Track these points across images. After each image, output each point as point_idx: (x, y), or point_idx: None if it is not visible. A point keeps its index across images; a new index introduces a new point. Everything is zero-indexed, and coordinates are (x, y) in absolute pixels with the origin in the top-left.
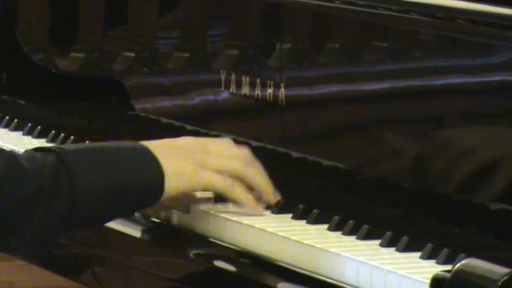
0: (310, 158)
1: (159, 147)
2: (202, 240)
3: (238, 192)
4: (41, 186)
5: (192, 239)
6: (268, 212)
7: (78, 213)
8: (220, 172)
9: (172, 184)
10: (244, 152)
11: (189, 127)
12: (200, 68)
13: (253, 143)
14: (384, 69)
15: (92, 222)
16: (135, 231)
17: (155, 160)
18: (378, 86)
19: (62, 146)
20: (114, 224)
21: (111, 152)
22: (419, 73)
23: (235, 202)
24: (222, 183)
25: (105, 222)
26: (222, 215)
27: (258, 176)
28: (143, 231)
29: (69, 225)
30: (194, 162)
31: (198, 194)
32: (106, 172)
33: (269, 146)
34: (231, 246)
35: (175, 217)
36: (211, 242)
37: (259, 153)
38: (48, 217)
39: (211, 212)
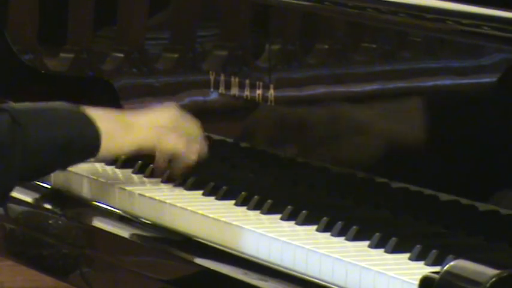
0: (299, 159)
1: (97, 112)
2: (191, 242)
3: (166, 146)
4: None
5: (179, 241)
6: (257, 213)
7: (30, 166)
8: (147, 130)
9: (106, 145)
10: (169, 120)
11: None
12: (189, 68)
13: (243, 144)
14: (373, 70)
15: (40, 174)
16: (123, 232)
17: (92, 121)
18: (367, 87)
19: (12, 105)
20: (103, 225)
21: (56, 112)
22: (409, 74)
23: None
24: (149, 140)
25: (52, 172)
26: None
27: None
28: (132, 232)
29: (23, 178)
30: (122, 125)
31: None
32: (53, 130)
33: (258, 147)
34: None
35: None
36: (201, 243)
37: (248, 154)
38: (7, 172)
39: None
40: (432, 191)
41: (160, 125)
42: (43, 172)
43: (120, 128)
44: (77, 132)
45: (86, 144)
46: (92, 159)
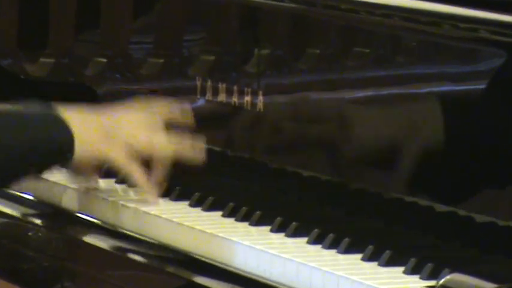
0: (289, 168)
1: (73, 116)
2: (176, 254)
3: (133, 172)
4: None
5: (164, 254)
6: (246, 224)
7: None
8: (121, 146)
9: (80, 150)
10: (155, 122)
11: None
12: (175, 74)
13: (230, 153)
14: (367, 76)
15: (7, 179)
16: (106, 244)
17: (65, 123)
18: (360, 93)
19: None
20: (85, 237)
21: (24, 114)
22: (403, 80)
23: (132, 182)
24: (122, 161)
25: (22, 177)
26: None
27: (163, 152)
28: (115, 244)
29: None
30: (103, 134)
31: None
32: (19, 132)
33: (246, 156)
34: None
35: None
36: (187, 256)
37: (236, 163)
38: None
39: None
40: (427, 202)
41: (148, 125)
42: (10, 177)
43: (100, 131)
44: (46, 134)
45: (58, 147)
46: (72, 165)
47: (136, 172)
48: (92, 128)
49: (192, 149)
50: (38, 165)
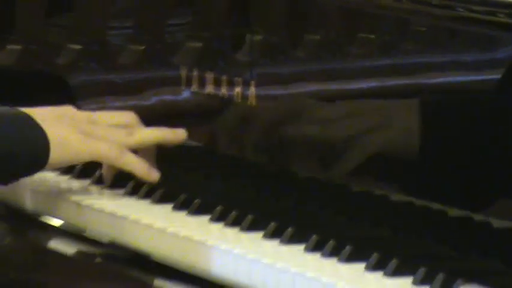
0: (285, 168)
1: (44, 115)
2: (158, 264)
3: (128, 160)
4: None
5: (144, 264)
6: (236, 230)
7: None
8: (107, 141)
9: (57, 153)
10: (130, 119)
11: None
12: (157, 63)
13: (219, 151)
14: (372, 65)
15: None
16: (79, 253)
17: (40, 128)
18: (364, 84)
19: None
20: (54, 244)
21: None
22: (412, 69)
23: (126, 171)
24: (110, 152)
25: None
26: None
27: (144, 135)
28: (88, 253)
29: None
30: (80, 131)
31: None
32: None
33: (237, 154)
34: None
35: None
36: (170, 266)
37: (226, 162)
38: None
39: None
40: (439, 205)
41: (119, 136)
42: None
43: (75, 134)
44: (18, 139)
45: (32, 153)
46: (48, 169)
47: (131, 161)
48: (67, 128)
49: (173, 132)
50: (6, 175)
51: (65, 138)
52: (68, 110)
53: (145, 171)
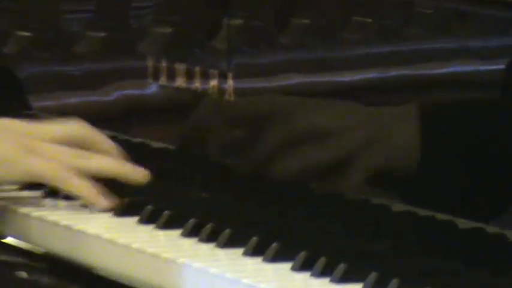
0: (268, 173)
1: None
2: (121, 286)
3: (74, 184)
4: None
5: (104, 285)
6: (212, 246)
7: None
8: (52, 159)
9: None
10: (82, 132)
11: (105, 132)
12: (120, 52)
13: (192, 153)
14: (368, 53)
15: None
16: (28, 272)
17: None
18: (359, 75)
19: None
20: (5, 258)
21: None
22: (415, 57)
23: (72, 195)
24: (53, 173)
25: None
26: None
27: (99, 163)
28: (39, 271)
29: None
30: (21, 147)
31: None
32: None
33: (213, 157)
34: None
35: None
36: None
37: (200, 167)
38: None
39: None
40: (447, 216)
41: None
42: None
43: (16, 150)
44: None
45: None
46: None
47: (77, 187)
48: (7, 143)
49: (135, 171)
50: None
51: (2, 155)
52: (11, 123)
53: (93, 199)
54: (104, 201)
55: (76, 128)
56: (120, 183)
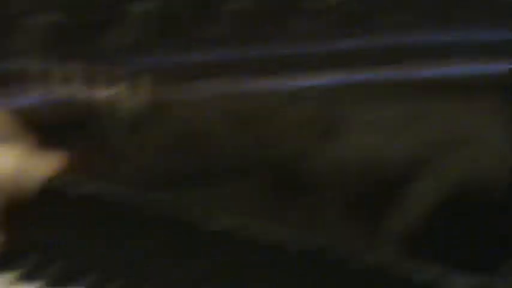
0: (196, 211)
1: None
2: None
3: None
4: None
5: None
6: None
7: None
8: None
9: None
10: None
11: None
12: None
13: (89, 185)
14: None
15: None
16: None
17: None
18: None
19: None
20: None
21: None
22: (410, 53)
23: None
24: None
25: None
26: None
27: None
28: None
29: None
30: None
31: None
32: None
33: (118, 189)
34: None
35: None
36: None
37: (100, 203)
38: None
39: None
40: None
41: None
42: None
43: None
44: None
45: None
46: None
47: None
48: None
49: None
50: None
51: None
52: None
53: None
54: None
55: None
56: None
